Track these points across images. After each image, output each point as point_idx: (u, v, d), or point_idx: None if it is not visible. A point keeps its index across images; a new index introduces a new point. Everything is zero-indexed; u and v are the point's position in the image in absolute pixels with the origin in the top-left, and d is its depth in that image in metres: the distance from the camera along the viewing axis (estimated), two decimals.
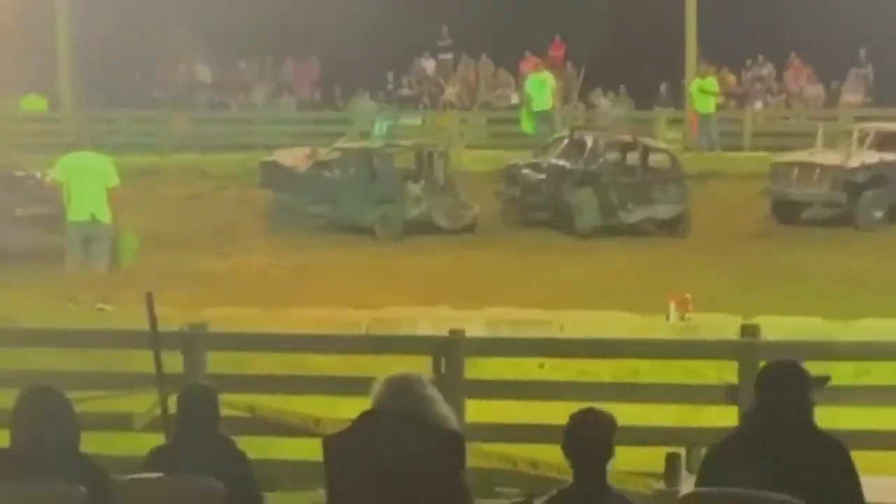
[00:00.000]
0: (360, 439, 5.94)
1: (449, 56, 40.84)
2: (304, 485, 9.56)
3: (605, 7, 35.96)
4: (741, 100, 37.59)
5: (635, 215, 24.25)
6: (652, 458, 7.95)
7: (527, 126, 33.19)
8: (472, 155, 31.45)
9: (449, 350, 10.12)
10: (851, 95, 36.70)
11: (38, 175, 21.31)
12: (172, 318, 10.74)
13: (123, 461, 7.43)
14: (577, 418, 6.04)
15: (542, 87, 32.98)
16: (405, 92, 40.21)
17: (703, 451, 6.60)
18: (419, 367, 8.90)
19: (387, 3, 36.48)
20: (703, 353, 11.02)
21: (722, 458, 6.33)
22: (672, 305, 15.42)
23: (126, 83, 40.07)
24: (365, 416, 6.02)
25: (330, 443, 6.05)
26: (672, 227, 24.27)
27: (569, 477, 6.04)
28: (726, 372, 10.22)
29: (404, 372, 6.15)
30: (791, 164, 25.50)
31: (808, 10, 33.37)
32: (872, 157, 24.93)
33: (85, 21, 35.33)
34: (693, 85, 32.75)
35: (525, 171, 25.64)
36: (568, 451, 5.99)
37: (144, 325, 8.71)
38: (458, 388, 9.84)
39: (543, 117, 32.83)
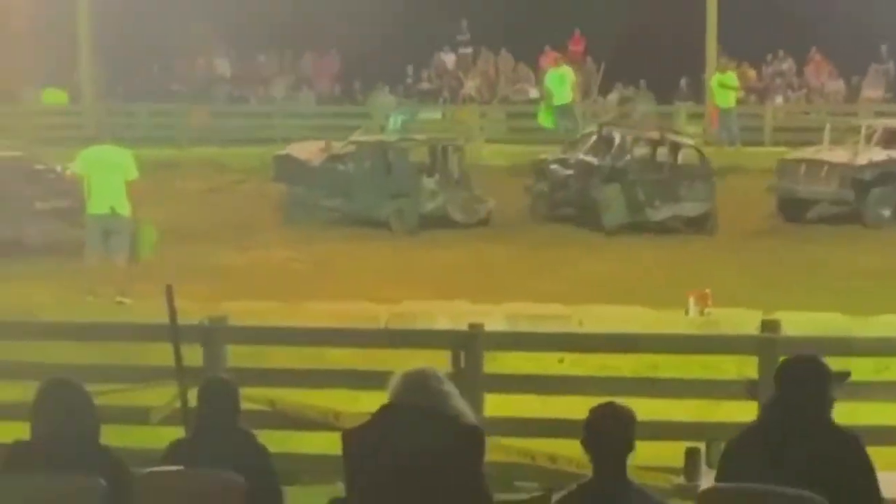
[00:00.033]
0: (380, 433, 5.94)
1: (469, 50, 40.83)
2: (323, 478, 9.54)
3: (625, 1, 35.88)
4: (761, 95, 37.52)
5: (662, 213, 24.07)
6: (671, 452, 7.94)
7: (545, 121, 33.14)
8: (492, 149, 31.41)
9: (468, 344, 10.12)
10: (872, 91, 36.59)
11: (58, 168, 21.36)
12: (192, 312, 10.78)
13: (143, 454, 7.44)
14: (596, 412, 6.03)
15: (561, 81, 32.93)
16: (425, 86, 40.21)
17: (723, 445, 6.59)
18: (438, 361, 8.92)
19: None
20: (724, 348, 10.99)
21: (740, 452, 6.33)
22: (691, 300, 15.37)
23: (145, 76, 40.17)
24: (384, 409, 6.03)
25: (349, 437, 6.06)
26: (700, 225, 24.09)
27: (588, 472, 6.03)
28: (746, 367, 10.21)
29: (420, 367, 6.15)
30: (798, 161, 25.34)
31: (829, 5, 33.25)
32: (880, 155, 24.67)
33: (105, 14, 35.36)
34: (713, 80, 32.65)
35: (553, 166, 25.56)
36: (588, 445, 5.98)
37: (164, 319, 8.73)
38: (477, 383, 9.86)
39: (564, 112, 32.80)
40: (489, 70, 40.36)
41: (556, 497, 6.08)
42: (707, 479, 6.82)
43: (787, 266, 20.44)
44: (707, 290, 15.61)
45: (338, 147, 25.72)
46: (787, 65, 38.46)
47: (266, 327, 11.71)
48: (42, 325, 11.90)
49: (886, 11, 32.80)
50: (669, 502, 6.54)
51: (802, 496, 5.91)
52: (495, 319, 13.80)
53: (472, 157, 27.35)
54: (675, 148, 25.15)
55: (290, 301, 15.82)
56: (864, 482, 6.14)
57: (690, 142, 26.46)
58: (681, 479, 7.40)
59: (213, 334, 10.34)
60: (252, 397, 8.92)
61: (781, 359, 6.86)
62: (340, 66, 40.88)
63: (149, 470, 6.65)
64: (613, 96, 37.77)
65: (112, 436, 6.93)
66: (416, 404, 5.94)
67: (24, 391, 7.63)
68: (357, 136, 26.60)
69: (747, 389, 9.64)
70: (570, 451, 8.33)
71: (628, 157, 24.59)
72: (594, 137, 25.66)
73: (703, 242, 22.98)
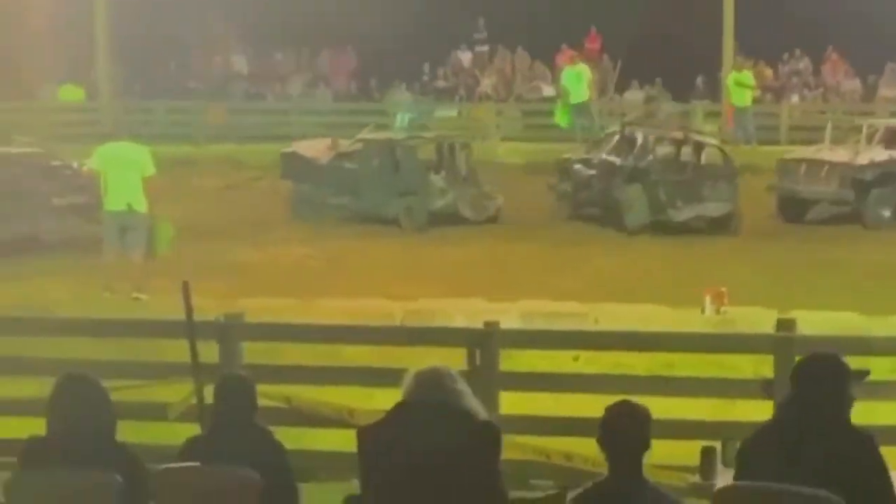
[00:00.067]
0: (395, 430, 5.94)
1: (485, 48, 40.82)
2: (338, 475, 9.55)
3: None
4: (778, 93, 37.45)
5: (685, 213, 23.85)
6: (687, 451, 7.93)
7: (560, 119, 33.10)
8: (507, 147, 31.41)
9: (484, 342, 10.11)
10: (888, 90, 36.48)
11: (75, 165, 21.38)
12: (208, 309, 10.79)
13: (159, 450, 7.45)
14: (612, 411, 6.03)
15: (578, 79, 32.88)
16: (441, 84, 40.22)
17: (739, 444, 6.58)
18: (454, 358, 8.91)
19: None
20: (740, 346, 10.94)
21: (756, 450, 6.32)
22: (707, 299, 15.33)
23: (162, 74, 40.22)
24: (399, 407, 6.03)
25: (364, 434, 6.06)
26: (723, 225, 23.86)
27: (603, 470, 6.03)
28: (762, 366, 10.19)
29: (433, 366, 6.16)
30: (799, 161, 25.17)
31: (846, 4, 33.17)
32: (881, 155, 24.41)
33: (122, 12, 35.45)
34: (729, 78, 32.59)
35: (577, 166, 25.46)
36: (603, 443, 5.98)
37: (180, 315, 8.73)
38: (492, 381, 9.85)
39: (580, 110, 32.75)
40: (505, 68, 40.35)
41: (571, 495, 6.08)
42: (722, 478, 6.82)
43: (801, 265, 20.36)
44: (723, 289, 15.57)
45: (345, 145, 25.71)
46: (804, 63, 38.40)
47: (281, 324, 11.72)
48: (58, 321, 11.92)
49: None
50: (685, 501, 6.52)
51: (818, 496, 5.90)
52: (511, 317, 13.80)
53: (488, 154, 27.29)
54: (699, 148, 24.97)
55: (305, 298, 15.83)
56: (879, 482, 6.13)
57: (714, 141, 26.22)
58: (696, 478, 7.39)
59: (229, 331, 10.34)
60: (267, 394, 8.92)
61: (798, 358, 6.85)
62: (357, 63, 40.89)
63: (165, 466, 6.66)
64: (638, 95, 37.64)
65: (128, 432, 6.95)
66: (431, 402, 5.94)
67: (40, 387, 7.65)
68: (364, 134, 26.57)
69: (762, 388, 9.62)
70: (586, 449, 8.32)
71: (651, 157, 24.43)
72: (617, 137, 25.56)
73: (720, 241, 22.89)
